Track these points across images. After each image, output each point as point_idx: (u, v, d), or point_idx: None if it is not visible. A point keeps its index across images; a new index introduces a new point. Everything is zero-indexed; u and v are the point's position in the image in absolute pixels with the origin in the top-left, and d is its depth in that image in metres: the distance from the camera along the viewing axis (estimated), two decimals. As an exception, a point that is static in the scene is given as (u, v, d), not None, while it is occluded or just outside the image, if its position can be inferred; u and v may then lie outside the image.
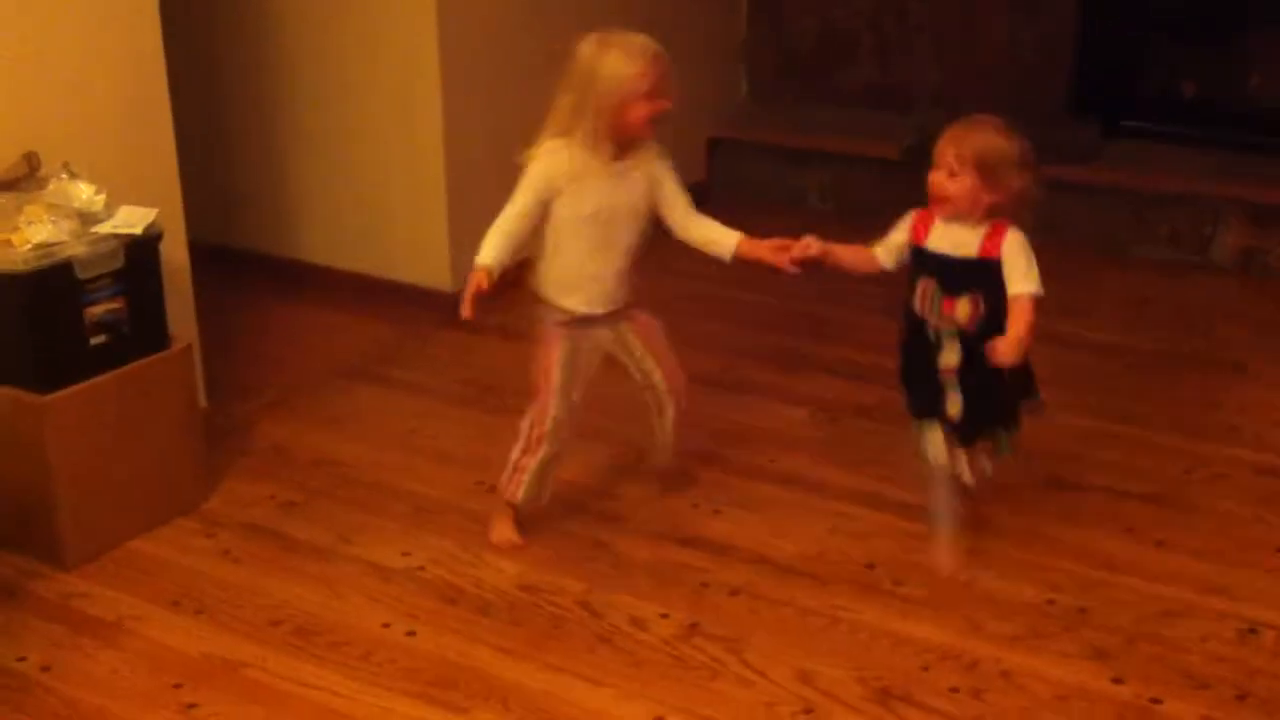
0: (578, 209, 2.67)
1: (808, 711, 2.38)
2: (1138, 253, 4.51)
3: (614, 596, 2.70)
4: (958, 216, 2.58)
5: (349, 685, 2.46)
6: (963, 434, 2.68)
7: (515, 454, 2.84)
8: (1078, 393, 3.52)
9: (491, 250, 2.66)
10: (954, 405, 2.65)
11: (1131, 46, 4.81)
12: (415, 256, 4.06)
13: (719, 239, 2.75)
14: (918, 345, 2.68)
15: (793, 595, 2.71)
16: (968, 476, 2.73)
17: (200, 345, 3.26)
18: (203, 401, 3.22)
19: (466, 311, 2.64)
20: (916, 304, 2.64)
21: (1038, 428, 3.37)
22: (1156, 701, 2.39)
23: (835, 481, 3.11)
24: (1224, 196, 4.43)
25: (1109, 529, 2.93)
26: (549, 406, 2.79)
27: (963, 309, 2.58)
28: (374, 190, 4.08)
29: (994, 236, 2.57)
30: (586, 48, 2.62)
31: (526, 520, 2.90)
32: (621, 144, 2.66)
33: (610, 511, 3.01)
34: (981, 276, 2.57)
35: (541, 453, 2.81)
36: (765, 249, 2.71)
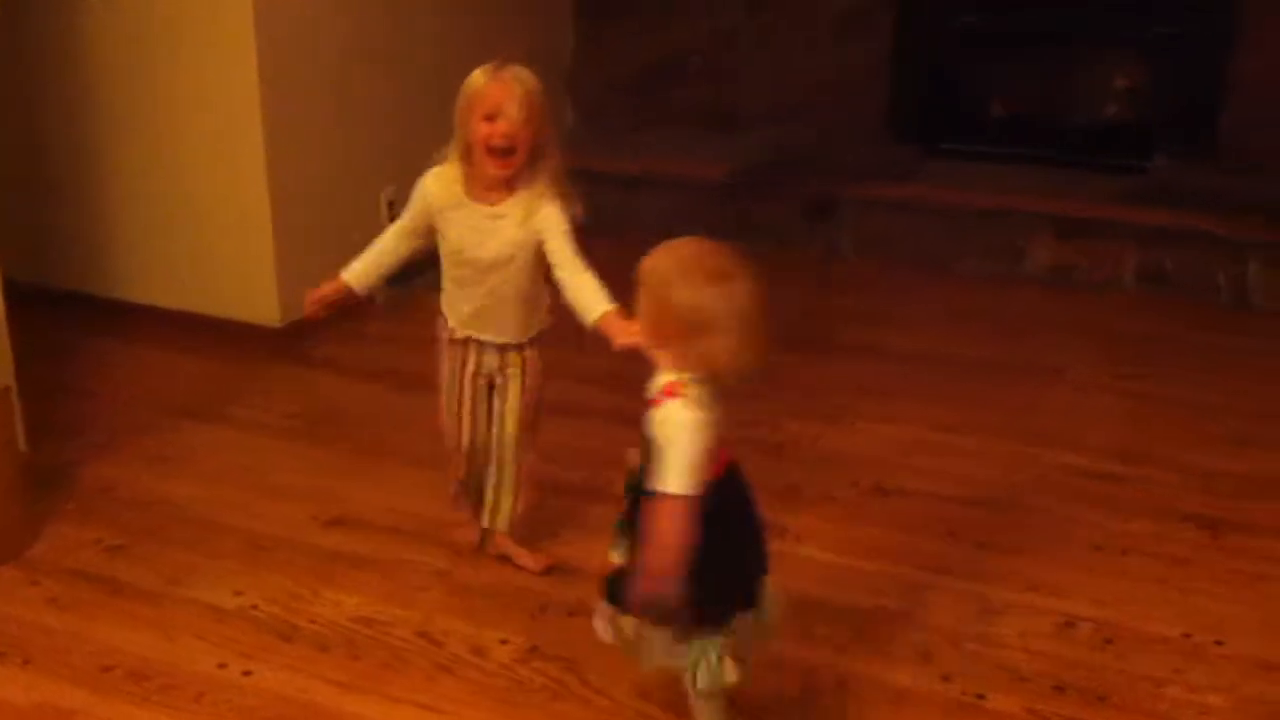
0: (445, 243, 2.68)
1: (648, 727, 2.42)
2: (956, 267, 4.68)
3: (453, 625, 2.70)
4: None
5: (183, 728, 2.42)
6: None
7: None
8: (900, 403, 3.64)
9: (354, 265, 2.72)
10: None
11: (946, 69, 4.99)
12: (242, 292, 4.01)
13: (586, 306, 2.53)
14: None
15: (631, 613, 2.74)
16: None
17: (20, 388, 3.17)
18: (23, 446, 3.14)
19: (307, 309, 2.72)
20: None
21: (860, 436, 3.49)
22: (981, 697, 2.48)
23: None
24: (1035, 211, 4.63)
25: (931, 532, 3.03)
26: (442, 423, 2.83)
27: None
28: (197, 226, 4.02)
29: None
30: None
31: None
32: (494, 180, 2.58)
33: (448, 539, 3.01)
34: None
35: (454, 474, 2.88)
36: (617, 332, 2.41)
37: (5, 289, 3.15)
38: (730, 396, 3.24)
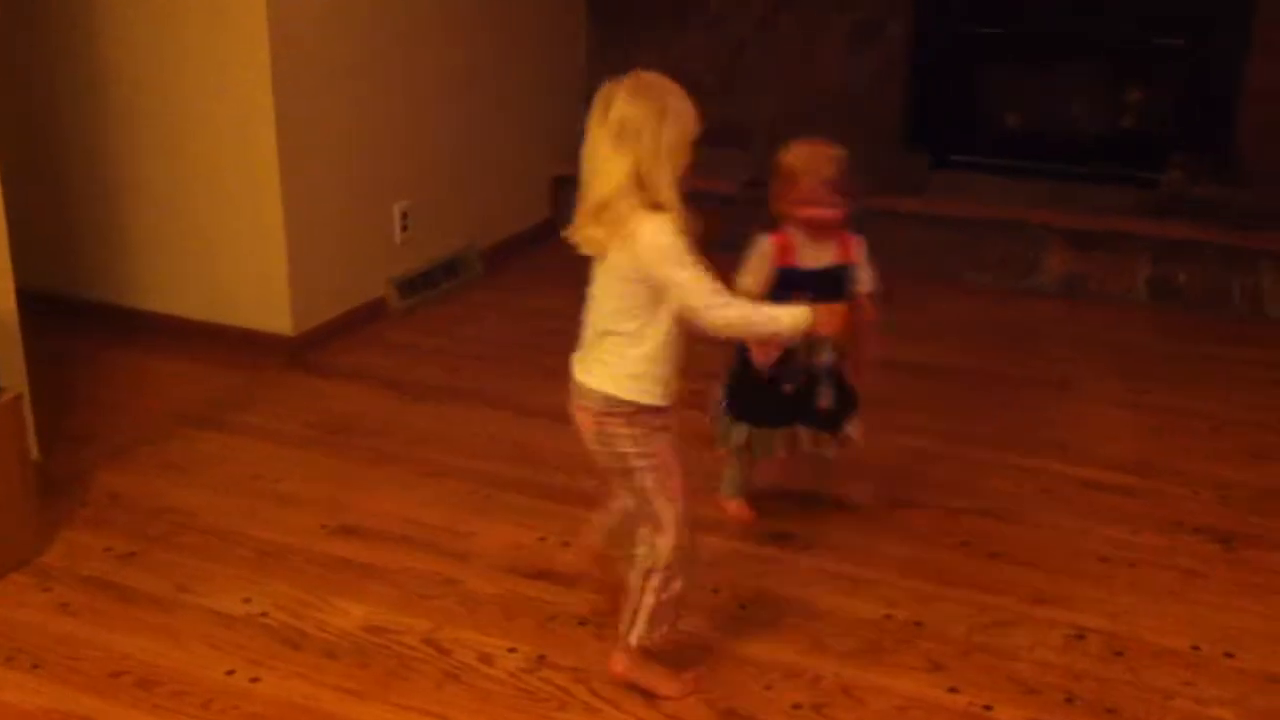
0: None
1: (655, 736, 2.42)
2: (968, 279, 4.68)
3: (461, 633, 2.70)
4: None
5: (191, 734, 2.43)
6: (833, 421, 3.00)
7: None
8: (912, 413, 3.64)
9: None
10: (826, 398, 2.98)
11: (959, 82, 4.98)
12: (255, 301, 4.02)
13: None
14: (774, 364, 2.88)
15: (639, 623, 2.74)
16: (832, 453, 3.06)
17: (34, 396, 3.18)
18: (35, 453, 3.15)
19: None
20: None
21: (872, 447, 3.48)
22: (989, 709, 2.47)
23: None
24: (1047, 224, 4.63)
25: (943, 544, 3.03)
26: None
27: None
28: (211, 235, 4.04)
29: (845, 243, 2.91)
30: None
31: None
32: None
33: (458, 548, 3.02)
34: (843, 280, 2.89)
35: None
36: None
37: (18, 297, 3.16)
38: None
